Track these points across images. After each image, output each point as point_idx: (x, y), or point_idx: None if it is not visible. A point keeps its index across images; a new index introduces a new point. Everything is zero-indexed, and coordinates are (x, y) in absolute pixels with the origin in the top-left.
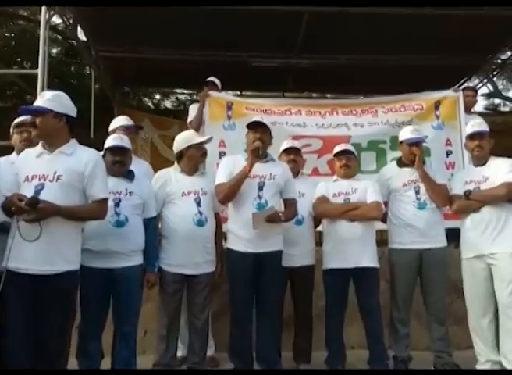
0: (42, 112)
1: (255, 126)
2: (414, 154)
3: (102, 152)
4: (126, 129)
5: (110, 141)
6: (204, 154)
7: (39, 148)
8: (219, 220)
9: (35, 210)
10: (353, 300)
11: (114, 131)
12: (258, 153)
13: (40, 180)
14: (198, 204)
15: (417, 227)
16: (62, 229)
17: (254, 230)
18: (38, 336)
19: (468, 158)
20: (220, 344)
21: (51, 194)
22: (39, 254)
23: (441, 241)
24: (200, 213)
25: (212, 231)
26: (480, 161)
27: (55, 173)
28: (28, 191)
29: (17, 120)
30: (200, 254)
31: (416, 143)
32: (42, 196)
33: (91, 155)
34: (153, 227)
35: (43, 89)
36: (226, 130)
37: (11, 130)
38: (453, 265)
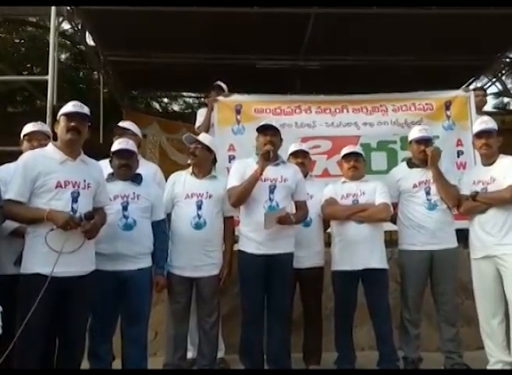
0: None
1: (265, 130)
2: (423, 152)
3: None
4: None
5: (116, 145)
6: (192, 154)
7: (56, 153)
8: (231, 224)
9: (91, 226)
10: (363, 301)
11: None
12: (269, 156)
13: (74, 187)
14: (199, 207)
15: (428, 228)
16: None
17: (266, 230)
18: (65, 336)
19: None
20: (230, 346)
21: (85, 201)
22: (75, 258)
23: (452, 242)
24: (199, 216)
25: (214, 235)
26: (488, 160)
27: (84, 181)
28: (64, 197)
29: (26, 130)
30: (199, 257)
31: (424, 140)
32: (79, 203)
33: (98, 164)
34: (161, 230)
35: (53, 95)
36: (235, 134)
37: (21, 137)
38: (462, 265)
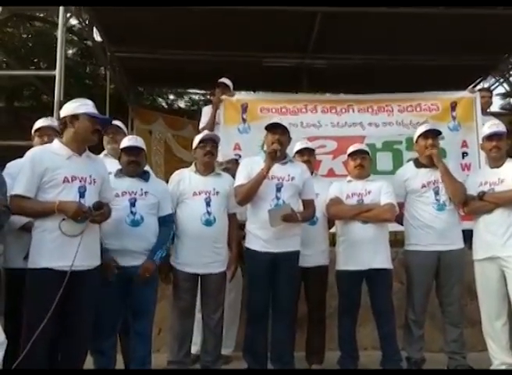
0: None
1: (274, 128)
2: (430, 146)
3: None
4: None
5: (125, 142)
6: (209, 152)
7: (62, 148)
8: (235, 221)
9: (100, 213)
10: (367, 301)
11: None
12: (276, 155)
13: (80, 182)
14: (208, 204)
15: (436, 229)
16: (97, 228)
17: (272, 228)
18: (71, 330)
19: (485, 159)
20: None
21: (91, 197)
22: (85, 251)
23: (458, 243)
24: (209, 213)
25: (222, 231)
26: (497, 162)
27: (90, 177)
28: (72, 192)
29: (37, 125)
30: (208, 254)
31: (432, 132)
32: (86, 198)
33: (103, 160)
34: (166, 223)
35: (60, 90)
36: (241, 133)
37: (32, 132)
38: (467, 266)
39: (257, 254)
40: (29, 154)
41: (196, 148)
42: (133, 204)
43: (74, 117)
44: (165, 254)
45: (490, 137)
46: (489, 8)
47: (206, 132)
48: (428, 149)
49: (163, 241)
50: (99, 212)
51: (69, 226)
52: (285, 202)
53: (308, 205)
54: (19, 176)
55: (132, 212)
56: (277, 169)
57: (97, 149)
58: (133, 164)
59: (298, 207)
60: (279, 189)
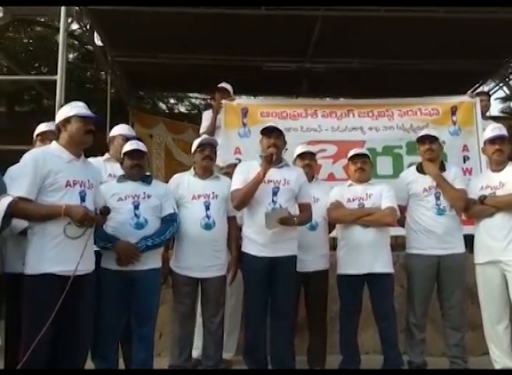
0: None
1: (269, 132)
2: (428, 150)
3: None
4: (125, 139)
5: (127, 146)
6: (207, 157)
7: (62, 151)
8: (234, 224)
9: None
10: (368, 305)
11: (114, 138)
12: (272, 159)
13: (81, 186)
14: (207, 208)
15: (436, 233)
16: (92, 232)
17: (268, 233)
18: (70, 335)
19: (486, 163)
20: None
21: (90, 201)
22: (84, 256)
23: (459, 247)
24: (208, 217)
25: (222, 235)
26: (499, 166)
27: (88, 181)
28: (73, 196)
29: (39, 130)
30: (208, 257)
31: (428, 138)
32: (86, 202)
33: (93, 164)
34: (167, 222)
35: (61, 94)
36: (242, 137)
37: (34, 136)
38: (467, 270)
39: (254, 258)
40: (29, 155)
41: (194, 152)
42: (136, 207)
43: (66, 121)
44: (154, 245)
45: (493, 141)
46: (489, 12)
47: (204, 136)
48: (427, 154)
49: (156, 234)
50: (106, 216)
51: (74, 230)
52: (281, 206)
53: (304, 208)
54: (20, 177)
55: (136, 214)
56: (273, 173)
57: (97, 150)
58: (137, 167)
59: (294, 211)
60: (275, 193)
